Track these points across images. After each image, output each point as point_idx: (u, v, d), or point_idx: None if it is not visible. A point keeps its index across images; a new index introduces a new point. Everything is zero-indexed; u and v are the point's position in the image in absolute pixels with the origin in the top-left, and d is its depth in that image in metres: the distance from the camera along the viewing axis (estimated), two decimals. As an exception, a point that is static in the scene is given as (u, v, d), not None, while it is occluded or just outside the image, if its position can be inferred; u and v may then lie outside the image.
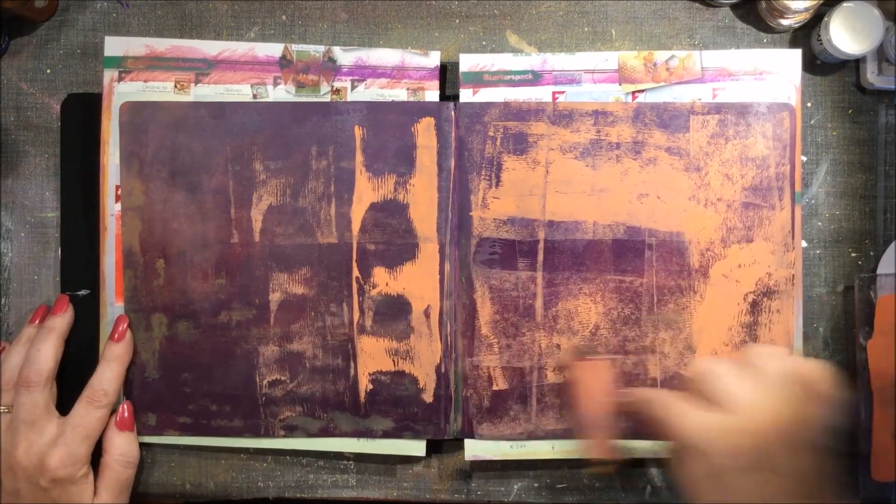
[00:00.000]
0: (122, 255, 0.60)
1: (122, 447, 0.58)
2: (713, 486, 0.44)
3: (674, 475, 0.47)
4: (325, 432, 0.60)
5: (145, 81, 0.60)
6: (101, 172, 0.60)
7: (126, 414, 0.59)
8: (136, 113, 0.59)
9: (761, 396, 0.45)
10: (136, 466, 0.59)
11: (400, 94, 0.60)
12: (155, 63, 0.60)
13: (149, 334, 0.59)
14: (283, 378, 0.59)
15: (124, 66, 0.60)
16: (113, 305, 0.60)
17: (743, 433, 0.44)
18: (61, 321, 0.59)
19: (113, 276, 0.60)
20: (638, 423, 0.51)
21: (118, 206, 0.60)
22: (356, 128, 0.59)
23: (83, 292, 0.61)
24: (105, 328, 0.60)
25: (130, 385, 0.59)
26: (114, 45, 0.60)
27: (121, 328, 0.59)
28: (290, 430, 0.60)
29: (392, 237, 0.59)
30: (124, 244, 0.59)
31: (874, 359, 0.59)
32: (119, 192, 0.60)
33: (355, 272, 0.59)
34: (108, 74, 0.60)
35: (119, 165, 0.60)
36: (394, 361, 0.59)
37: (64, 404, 0.58)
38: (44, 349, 0.57)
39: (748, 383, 0.46)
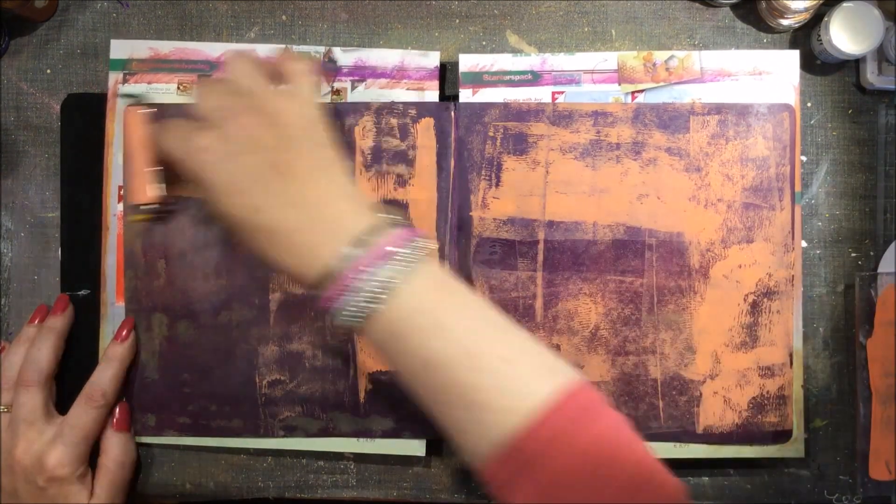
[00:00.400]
0: (123, 255, 0.60)
1: (118, 448, 0.58)
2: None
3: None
4: (325, 432, 0.60)
5: (149, 83, 0.60)
6: (105, 173, 0.60)
7: (123, 415, 0.59)
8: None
9: (244, 104, 0.47)
10: (132, 468, 0.59)
11: (400, 94, 0.60)
12: (158, 65, 0.60)
13: (149, 334, 0.59)
14: (282, 378, 0.59)
15: (129, 68, 0.60)
16: (114, 305, 0.60)
17: (210, 130, 0.46)
18: (61, 321, 0.59)
19: (114, 276, 0.60)
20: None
21: (120, 206, 0.60)
22: (356, 128, 0.59)
23: (83, 292, 0.61)
24: (105, 328, 0.60)
25: (130, 385, 0.60)
26: (119, 48, 0.60)
27: (126, 329, 0.59)
28: (290, 431, 0.60)
29: (392, 237, 0.59)
30: (126, 244, 0.59)
31: (874, 357, 0.59)
32: (121, 192, 0.60)
33: (355, 272, 0.59)
34: (113, 77, 0.60)
35: (122, 166, 0.60)
36: (394, 361, 0.59)
37: (64, 404, 0.58)
38: (44, 349, 0.57)
39: (226, 96, 0.47)
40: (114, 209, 0.60)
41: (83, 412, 0.57)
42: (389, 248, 0.44)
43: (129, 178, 0.58)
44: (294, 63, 0.50)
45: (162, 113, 0.59)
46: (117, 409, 0.59)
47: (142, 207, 0.56)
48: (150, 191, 0.55)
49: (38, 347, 0.57)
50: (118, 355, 0.58)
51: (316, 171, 0.46)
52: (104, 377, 0.58)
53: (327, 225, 0.45)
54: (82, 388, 0.58)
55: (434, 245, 0.46)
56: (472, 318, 0.45)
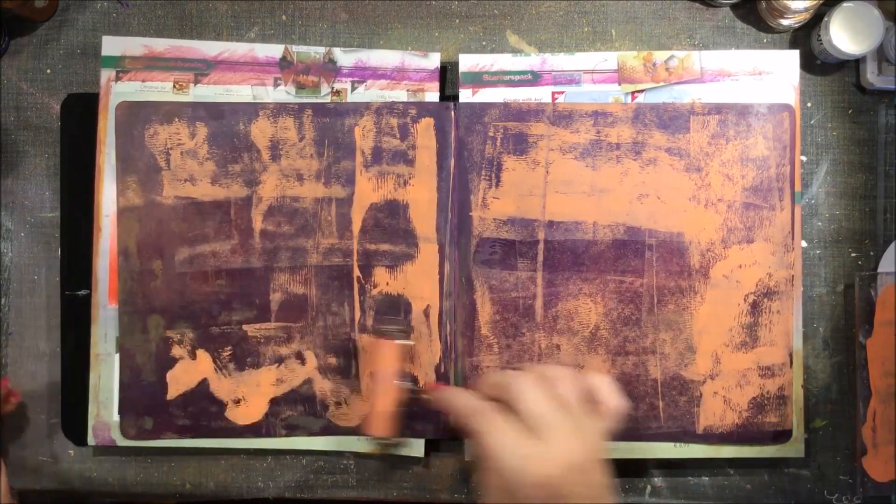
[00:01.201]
0: (116, 257, 0.59)
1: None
2: (506, 500, 0.45)
3: (475, 476, 0.47)
4: (327, 431, 0.60)
5: (143, 81, 0.60)
6: (97, 173, 0.60)
7: None
8: (132, 112, 0.59)
9: (567, 425, 0.46)
10: None
11: (400, 95, 0.60)
12: (153, 63, 0.60)
13: (145, 336, 0.59)
14: (283, 379, 0.59)
15: (122, 65, 0.60)
16: (106, 307, 0.60)
17: (551, 464, 0.45)
18: None
19: (107, 278, 0.60)
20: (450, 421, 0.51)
21: (113, 208, 0.60)
22: (356, 129, 0.59)
23: (83, 292, 0.61)
24: (97, 330, 0.60)
25: (125, 388, 0.59)
26: (111, 45, 0.60)
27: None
28: (292, 430, 0.60)
29: (392, 237, 0.59)
30: (120, 245, 0.59)
31: (874, 357, 0.59)
32: (115, 193, 0.60)
33: (356, 272, 0.59)
34: (106, 74, 0.60)
35: (115, 165, 0.59)
36: (394, 361, 0.59)
37: (63, 405, 0.58)
38: None
39: (552, 406, 0.46)
40: (106, 210, 0.60)
41: None
42: None
43: (372, 408, 0.57)
44: (604, 385, 0.49)
45: (157, 110, 0.59)
46: None
47: (379, 440, 0.58)
48: (389, 427, 0.56)
49: None
50: None
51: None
52: None
53: None
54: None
55: None
56: None
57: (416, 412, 0.59)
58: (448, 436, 0.59)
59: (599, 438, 0.47)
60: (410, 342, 0.58)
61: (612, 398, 0.48)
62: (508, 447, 0.45)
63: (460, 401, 0.49)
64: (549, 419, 0.46)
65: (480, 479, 0.47)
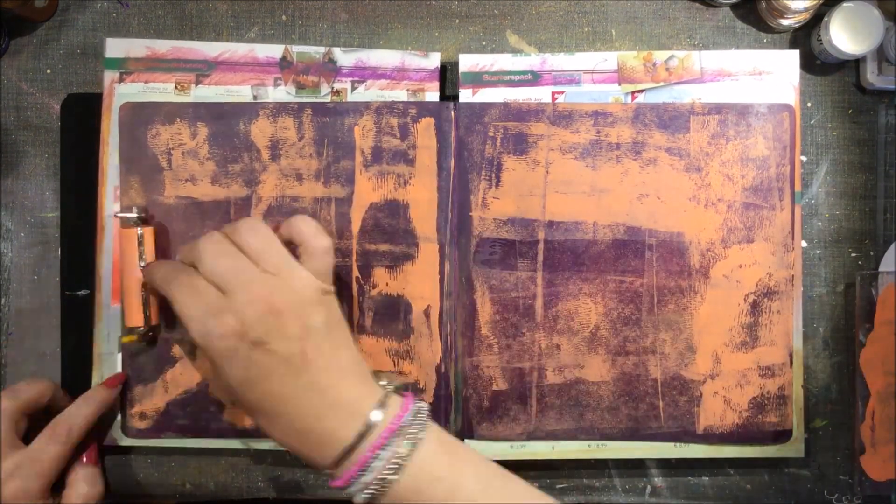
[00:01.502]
0: (119, 257, 0.59)
1: (86, 483, 0.56)
2: (209, 362, 0.47)
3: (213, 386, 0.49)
4: (326, 432, 0.59)
5: (146, 82, 0.60)
6: (100, 173, 0.60)
7: (93, 452, 0.57)
8: (135, 113, 0.59)
9: (251, 274, 0.47)
10: (100, 501, 0.57)
11: (400, 95, 0.60)
12: (155, 64, 0.60)
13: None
14: None
15: (125, 67, 0.60)
16: (109, 308, 0.60)
17: (233, 316, 0.46)
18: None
19: (110, 278, 0.60)
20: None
21: (116, 207, 0.60)
22: (356, 129, 0.59)
23: (83, 292, 0.61)
24: (100, 331, 0.59)
25: (126, 388, 0.59)
26: (115, 47, 0.60)
27: (117, 380, 0.58)
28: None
29: (392, 237, 0.59)
30: (122, 244, 0.59)
31: (874, 356, 0.59)
32: (118, 192, 0.60)
33: (355, 272, 0.59)
34: (109, 76, 0.60)
35: (118, 166, 0.60)
36: (394, 361, 0.59)
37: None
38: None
39: (233, 261, 0.47)
40: (109, 210, 0.60)
41: (44, 447, 0.54)
42: (399, 424, 0.47)
43: (124, 298, 0.57)
44: (303, 225, 0.50)
45: (159, 111, 0.59)
46: (90, 445, 0.57)
47: (137, 330, 0.57)
48: (140, 318, 0.57)
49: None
50: (99, 398, 0.57)
51: (327, 354, 0.48)
52: (74, 415, 0.56)
53: (339, 410, 0.47)
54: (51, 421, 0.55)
55: (426, 405, 0.49)
56: (479, 474, 0.48)
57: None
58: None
59: (304, 281, 0.48)
60: (149, 227, 0.58)
61: (312, 239, 0.50)
62: (195, 305, 0.46)
63: (158, 272, 0.50)
64: (229, 273, 0.47)
65: (192, 342, 0.47)
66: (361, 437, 0.46)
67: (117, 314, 0.59)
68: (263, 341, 0.46)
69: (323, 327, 0.48)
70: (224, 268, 0.47)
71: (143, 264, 0.56)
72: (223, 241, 0.49)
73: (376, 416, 0.47)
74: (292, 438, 0.47)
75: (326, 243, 0.50)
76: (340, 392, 0.47)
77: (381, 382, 0.50)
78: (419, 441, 0.46)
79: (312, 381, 0.47)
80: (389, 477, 0.45)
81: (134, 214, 0.57)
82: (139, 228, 0.57)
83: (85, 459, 0.57)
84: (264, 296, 0.46)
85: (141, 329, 0.57)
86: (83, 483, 0.56)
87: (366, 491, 0.46)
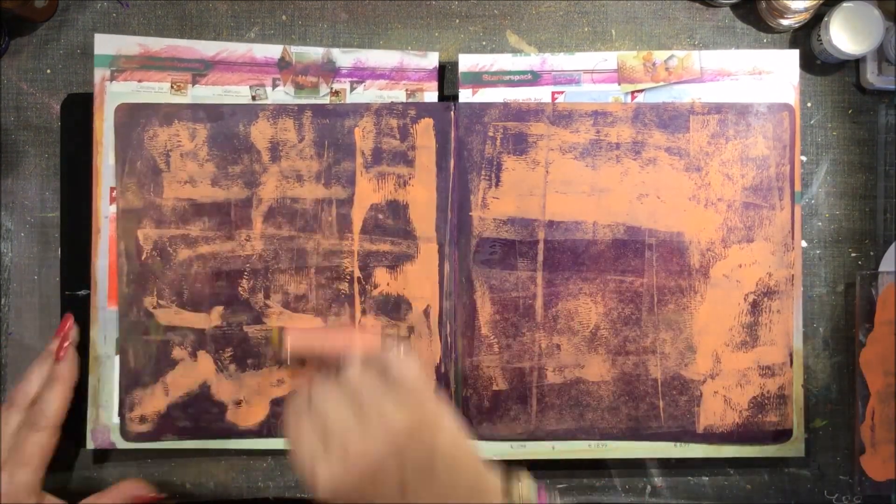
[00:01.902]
0: (115, 258, 0.59)
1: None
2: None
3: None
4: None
5: (139, 81, 0.60)
6: (94, 174, 0.60)
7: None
8: (131, 115, 0.59)
9: (352, 431, 0.44)
10: None
11: (399, 95, 0.60)
12: (149, 62, 0.60)
13: (145, 338, 0.59)
14: (283, 380, 0.59)
15: (116, 64, 0.60)
16: (105, 309, 0.59)
17: (336, 477, 0.44)
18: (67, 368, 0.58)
19: (106, 280, 0.59)
20: None
21: (112, 208, 0.60)
22: (356, 129, 0.59)
23: (83, 292, 0.61)
24: (97, 333, 0.59)
25: (125, 391, 0.59)
26: (104, 43, 0.60)
27: (64, 345, 0.57)
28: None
29: (392, 237, 0.59)
30: (119, 247, 0.59)
31: (874, 356, 0.59)
32: (113, 193, 0.60)
33: (356, 273, 0.59)
34: (100, 73, 0.60)
35: (114, 167, 0.59)
36: (394, 362, 0.59)
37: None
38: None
39: (340, 414, 0.45)
40: (105, 211, 0.60)
41: (24, 436, 0.54)
42: None
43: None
44: (408, 370, 0.46)
45: (157, 112, 0.59)
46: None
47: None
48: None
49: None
50: (58, 374, 0.56)
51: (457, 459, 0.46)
52: (44, 398, 0.55)
53: None
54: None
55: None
56: None
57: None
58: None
59: (404, 418, 0.44)
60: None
61: (408, 371, 0.46)
62: (302, 451, 0.44)
63: (288, 405, 0.47)
64: (332, 428, 0.44)
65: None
66: None
67: (114, 316, 0.59)
68: (368, 480, 0.44)
69: (428, 455, 0.45)
70: (331, 414, 0.45)
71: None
72: (327, 389, 0.46)
73: None
74: None
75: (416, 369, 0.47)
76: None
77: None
78: None
79: (440, 491, 0.44)
80: None
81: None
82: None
83: None
84: (370, 435, 0.44)
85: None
86: None
87: None
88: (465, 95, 0.60)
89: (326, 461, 0.44)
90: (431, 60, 0.60)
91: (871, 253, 0.62)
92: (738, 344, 0.59)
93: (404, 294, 0.59)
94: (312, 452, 0.44)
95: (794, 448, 0.59)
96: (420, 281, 0.59)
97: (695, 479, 0.61)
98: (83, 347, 0.60)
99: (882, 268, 0.61)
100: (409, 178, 0.59)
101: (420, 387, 0.46)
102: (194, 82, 0.60)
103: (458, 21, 0.63)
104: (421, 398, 0.45)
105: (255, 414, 0.59)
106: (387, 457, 0.44)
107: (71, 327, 0.59)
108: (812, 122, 0.62)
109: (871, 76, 0.61)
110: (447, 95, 0.62)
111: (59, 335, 0.58)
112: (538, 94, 0.60)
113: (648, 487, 0.61)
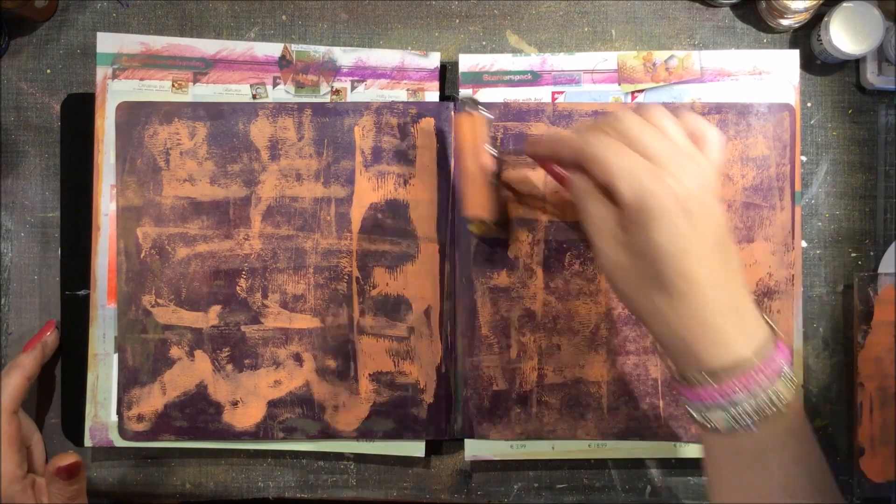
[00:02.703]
0: (115, 256, 0.59)
1: (63, 489, 0.54)
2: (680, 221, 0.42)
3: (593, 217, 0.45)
4: (324, 435, 0.59)
5: (141, 80, 0.60)
6: (95, 172, 0.60)
7: (68, 468, 0.54)
8: (132, 113, 0.59)
9: (684, 158, 0.43)
10: (83, 495, 0.55)
11: (400, 94, 0.60)
12: (150, 61, 0.60)
13: (143, 336, 0.59)
14: (281, 381, 0.59)
15: (118, 63, 0.60)
16: (105, 307, 0.60)
17: (697, 181, 0.42)
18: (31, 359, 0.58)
19: (105, 278, 0.60)
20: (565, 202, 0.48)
21: (112, 206, 0.60)
22: (356, 128, 0.59)
23: (83, 292, 0.61)
24: (95, 331, 0.60)
25: (123, 389, 0.59)
26: (106, 42, 0.60)
27: (36, 338, 0.59)
28: (290, 433, 0.59)
29: (392, 237, 0.59)
30: (119, 245, 0.59)
31: (872, 358, 0.59)
32: (113, 191, 0.60)
33: (355, 272, 0.59)
34: (101, 72, 0.60)
35: (114, 165, 0.59)
36: (394, 362, 0.59)
37: (63, 405, 0.58)
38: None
39: (666, 143, 0.44)
40: (105, 209, 0.60)
41: None
42: (783, 364, 0.43)
43: (466, 188, 0.55)
44: (699, 120, 0.46)
45: (157, 110, 0.59)
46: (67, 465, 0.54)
47: (477, 221, 0.55)
48: (486, 205, 0.54)
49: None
50: (20, 363, 0.57)
51: (735, 254, 0.44)
52: (6, 384, 0.56)
53: (743, 318, 0.43)
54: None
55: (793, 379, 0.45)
56: (819, 465, 0.44)
57: (417, 412, 0.59)
58: (448, 437, 0.59)
59: (713, 174, 0.44)
60: (490, 116, 0.56)
61: (709, 131, 0.46)
62: (630, 163, 0.42)
63: (571, 137, 0.45)
64: (660, 148, 0.43)
65: (602, 218, 0.44)
66: (758, 356, 0.42)
67: (113, 314, 0.59)
68: (696, 214, 0.42)
69: (727, 224, 0.44)
70: (655, 143, 0.43)
71: (491, 149, 0.54)
72: (642, 120, 0.45)
73: (765, 343, 0.43)
74: (683, 326, 0.43)
75: (722, 137, 0.47)
76: (745, 300, 0.44)
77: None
78: (793, 392, 0.43)
79: (728, 276, 0.43)
80: (768, 411, 0.42)
81: (471, 100, 0.55)
82: (485, 113, 0.55)
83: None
84: (697, 173, 0.43)
85: (489, 220, 0.54)
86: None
87: (733, 409, 0.42)
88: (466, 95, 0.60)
89: (669, 175, 0.42)
90: (433, 60, 0.60)
91: (871, 253, 0.62)
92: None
93: (404, 294, 0.59)
94: (647, 167, 0.42)
95: (794, 448, 0.59)
96: (421, 281, 0.59)
97: (695, 479, 0.61)
98: (81, 345, 0.60)
99: (881, 268, 0.61)
100: (410, 178, 0.59)
101: (719, 161, 0.46)
102: (195, 81, 0.60)
103: (458, 21, 0.63)
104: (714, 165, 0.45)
105: (251, 416, 0.59)
106: (713, 194, 0.43)
107: (51, 332, 0.59)
108: (812, 122, 0.62)
109: (871, 76, 0.61)
110: (447, 95, 0.62)
111: (31, 341, 0.59)
112: (538, 94, 0.60)
113: (648, 487, 0.61)
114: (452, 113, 0.59)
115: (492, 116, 0.58)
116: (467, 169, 0.55)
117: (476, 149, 0.55)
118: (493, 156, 0.55)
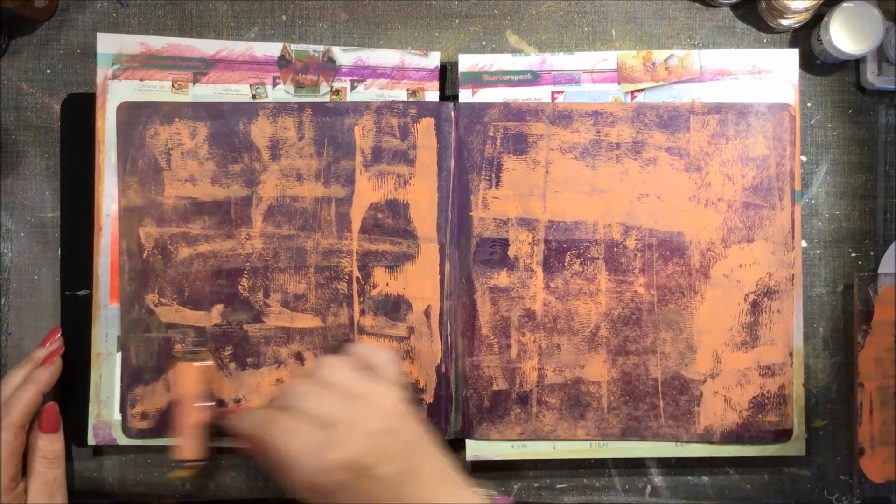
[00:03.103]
0: (117, 256, 0.59)
1: (45, 448, 0.56)
2: (319, 498, 0.47)
3: (281, 483, 0.49)
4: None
5: (141, 80, 0.60)
6: (96, 172, 0.60)
7: (49, 417, 0.56)
8: (133, 113, 0.59)
9: (351, 406, 0.48)
10: (62, 465, 0.57)
11: (400, 94, 0.60)
12: (150, 61, 0.60)
13: (147, 335, 0.59)
14: (283, 379, 0.59)
15: (119, 63, 0.60)
16: (107, 307, 0.60)
17: (348, 444, 0.46)
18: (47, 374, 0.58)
19: (108, 278, 0.60)
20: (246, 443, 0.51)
21: (114, 207, 0.60)
22: (356, 128, 0.59)
23: (83, 292, 0.61)
24: (98, 331, 0.60)
25: (126, 387, 0.59)
26: (107, 42, 0.60)
27: (55, 351, 0.58)
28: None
29: (392, 237, 0.59)
30: (121, 245, 0.59)
31: (872, 358, 0.59)
32: (115, 192, 0.60)
33: (355, 272, 0.59)
34: (102, 72, 0.60)
35: (115, 165, 0.59)
36: (394, 361, 0.59)
37: (64, 404, 0.58)
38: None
39: (331, 400, 0.48)
40: (107, 209, 0.60)
41: None
42: None
43: (177, 433, 0.57)
44: (365, 348, 0.52)
45: (158, 110, 0.59)
46: (45, 411, 0.56)
47: (186, 464, 0.57)
48: (196, 450, 0.56)
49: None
50: (38, 378, 0.57)
51: (430, 462, 0.49)
52: (18, 397, 0.56)
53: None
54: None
55: None
56: None
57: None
58: (448, 437, 0.59)
59: (392, 399, 0.49)
60: (209, 363, 0.58)
61: (376, 354, 0.51)
62: (300, 445, 0.47)
63: (250, 420, 0.50)
64: (331, 410, 0.48)
65: (288, 486, 0.48)
66: None
67: (115, 314, 0.59)
68: (371, 466, 0.46)
69: (417, 436, 0.49)
70: (318, 407, 0.48)
71: (206, 403, 0.57)
72: (308, 384, 0.50)
73: None
74: None
75: (392, 354, 0.52)
76: (448, 500, 0.48)
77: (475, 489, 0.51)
78: None
79: (422, 492, 0.47)
80: None
81: (193, 349, 0.59)
82: (200, 363, 0.58)
83: (42, 427, 0.57)
84: (361, 422, 0.47)
85: (199, 462, 0.57)
86: (43, 448, 0.56)
87: None
88: (465, 95, 0.60)
89: (335, 442, 0.46)
90: (433, 60, 0.60)
91: (871, 253, 0.62)
92: (739, 344, 0.59)
93: (404, 294, 0.59)
94: (315, 442, 0.47)
95: (794, 448, 0.59)
96: (421, 281, 0.59)
97: (695, 479, 0.61)
98: (84, 345, 0.60)
99: (881, 268, 0.61)
100: (410, 178, 0.59)
101: (398, 373, 0.52)
102: (195, 81, 0.60)
103: (458, 21, 0.63)
104: (400, 380, 0.51)
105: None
106: (389, 429, 0.48)
107: (58, 338, 0.59)
108: (812, 122, 0.62)
109: (871, 76, 0.61)
110: (447, 95, 0.62)
111: (44, 345, 0.59)
112: (538, 94, 0.60)
113: (648, 487, 0.61)
114: (452, 114, 0.59)
115: (212, 363, 0.59)
116: (184, 419, 0.56)
117: (193, 401, 0.57)
118: (207, 406, 0.57)
